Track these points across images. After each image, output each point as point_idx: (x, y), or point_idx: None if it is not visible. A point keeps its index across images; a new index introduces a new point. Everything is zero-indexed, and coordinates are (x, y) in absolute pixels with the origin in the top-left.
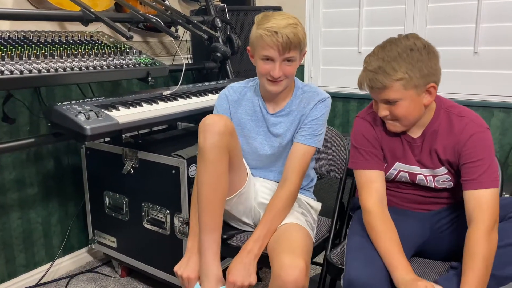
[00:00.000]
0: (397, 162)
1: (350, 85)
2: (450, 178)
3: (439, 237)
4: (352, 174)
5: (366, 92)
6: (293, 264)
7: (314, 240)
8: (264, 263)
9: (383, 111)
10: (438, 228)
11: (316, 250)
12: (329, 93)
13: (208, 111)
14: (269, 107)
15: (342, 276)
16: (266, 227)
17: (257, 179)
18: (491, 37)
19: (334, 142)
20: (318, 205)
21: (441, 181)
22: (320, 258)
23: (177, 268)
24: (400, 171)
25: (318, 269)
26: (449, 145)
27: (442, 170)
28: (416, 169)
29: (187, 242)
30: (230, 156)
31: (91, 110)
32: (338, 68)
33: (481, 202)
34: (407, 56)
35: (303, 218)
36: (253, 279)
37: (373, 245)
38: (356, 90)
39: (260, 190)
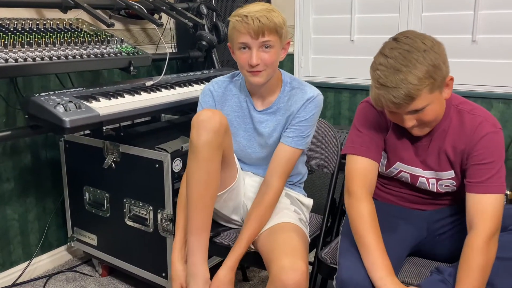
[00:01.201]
0: (398, 162)
1: (342, 75)
2: (455, 183)
3: (436, 240)
4: (344, 168)
5: (359, 83)
6: (294, 267)
7: (309, 240)
8: (254, 262)
9: (410, 122)
10: (436, 229)
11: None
12: (320, 83)
13: (193, 102)
14: (256, 103)
15: (334, 276)
16: (245, 240)
17: (246, 173)
18: (490, 25)
19: (325, 135)
20: (310, 202)
21: (444, 186)
22: (310, 257)
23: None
24: (401, 171)
25: (309, 268)
26: (459, 146)
27: (449, 174)
28: (419, 171)
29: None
30: (223, 153)
31: (70, 101)
32: (329, 57)
33: (485, 208)
34: (424, 59)
35: (297, 216)
36: None
37: None
38: (348, 81)
39: (249, 184)
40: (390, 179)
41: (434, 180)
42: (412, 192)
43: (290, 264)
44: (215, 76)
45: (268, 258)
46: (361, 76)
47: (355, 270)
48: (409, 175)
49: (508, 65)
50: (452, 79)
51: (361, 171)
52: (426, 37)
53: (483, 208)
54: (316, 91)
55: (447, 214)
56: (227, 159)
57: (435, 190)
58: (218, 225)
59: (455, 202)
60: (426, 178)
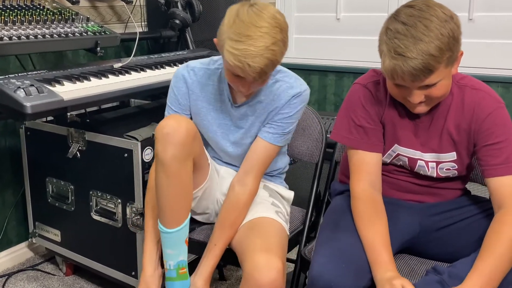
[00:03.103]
0: (396, 144)
1: (327, 57)
2: (456, 167)
3: (430, 237)
4: (330, 158)
5: (346, 65)
6: (269, 265)
7: (288, 234)
8: (231, 260)
9: (419, 97)
10: (429, 225)
11: (289, 245)
12: (303, 66)
13: (165, 86)
14: (235, 96)
15: (307, 272)
16: (219, 247)
17: (221, 167)
18: (488, 2)
19: (309, 122)
20: (290, 195)
21: (445, 169)
22: (293, 254)
23: None
24: (398, 154)
25: (291, 266)
26: (463, 124)
27: (451, 155)
28: (418, 154)
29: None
30: (194, 160)
31: (32, 85)
32: (313, 37)
33: None
34: (445, 30)
35: (275, 209)
36: None
37: (345, 237)
38: (334, 62)
39: (225, 178)
40: (384, 164)
41: (434, 163)
42: (407, 179)
43: (264, 262)
44: (190, 58)
45: (242, 255)
46: (348, 57)
47: (326, 265)
48: (407, 158)
49: (508, 46)
50: (462, 53)
51: (362, 166)
52: (443, 7)
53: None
54: (304, 86)
55: (443, 209)
56: (198, 163)
57: (434, 175)
58: (192, 221)
59: (453, 194)
60: (426, 161)
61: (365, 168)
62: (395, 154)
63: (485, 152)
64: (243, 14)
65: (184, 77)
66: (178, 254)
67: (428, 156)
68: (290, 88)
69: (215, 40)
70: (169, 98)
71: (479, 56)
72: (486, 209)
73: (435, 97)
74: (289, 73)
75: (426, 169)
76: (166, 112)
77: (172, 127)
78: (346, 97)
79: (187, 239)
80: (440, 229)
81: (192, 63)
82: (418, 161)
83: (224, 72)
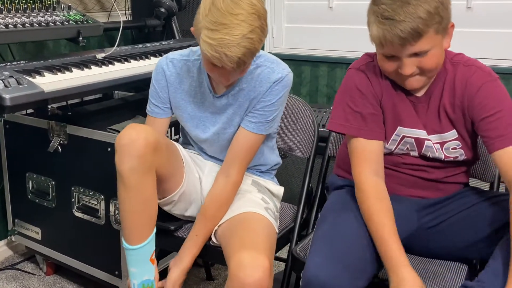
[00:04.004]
0: (399, 127)
1: (319, 47)
2: (461, 145)
3: (426, 234)
4: (322, 152)
5: (339, 55)
6: (254, 263)
7: (277, 232)
8: (217, 258)
9: (410, 68)
10: (426, 221)
11: (279, 243)
12: (294, 56)
13: (150, 77)
14: (216, 87)
15: (302, 273)
16: (200, 238)
17: (207, 163)
18: None
19: (300, 115)
20: (280, 190)
21: (451, 149)
22: (283, 253)
23: None
24: (404, 136)
25: (281, 265)
26: (457, 100)
27: (452, 134)
28: (423, 133)
29: None
30: (159, 171)
31: (11, 76)
32: (305, 26)
33: None
34: None
35: (264, 205)
36: None
37: (342, 235)
38: (326, 53)
39: (209, 177)
40: (389, 154)
41: (439, 145)
42: (415, 173)
43: (250, 261)
44: (175, 48)
45: (227, 253)
46: (341, 47)
47: (322, 266)
48: (413, 139)
49: (507, 35)
50: (453, 25)
51: (363, 153)
52: None
53: None
54: (286, 69)
55: (441, 204)
56: (167, 172)
57: (442, 157)
58: (177, 218)
59: (455, 188)
60: (432, 142)
61: (367, 156)
62: (400, 137)
63: (484, 127)
64: (218, 2)
65: (163, 69)
66: (142, 273)
67: (432, 138)
68: (271, 73)
69: (192, 29)
70: (150, 91)
71: (478, 46)
72: (485, 199)
73: (428, 69)
74: (270, 57)
75: (434, 149)
76: (148, 106)
77: (130, 138)
78: (341, 84)
79: (154, 258)
80: (437, 225)
81: (171, 54)
82: (426, 141)
83: (202, 62)
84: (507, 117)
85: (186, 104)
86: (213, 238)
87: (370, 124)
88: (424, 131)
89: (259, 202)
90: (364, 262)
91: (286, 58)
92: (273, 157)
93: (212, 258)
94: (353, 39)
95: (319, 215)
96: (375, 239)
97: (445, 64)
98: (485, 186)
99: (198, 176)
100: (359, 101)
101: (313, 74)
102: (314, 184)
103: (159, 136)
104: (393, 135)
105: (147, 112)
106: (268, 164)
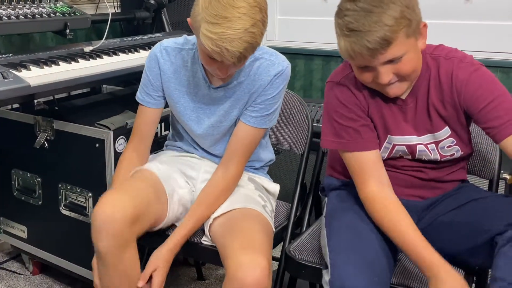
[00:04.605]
0: (388, 135)
1: (313, 40)
2: (455, 142)
3: (425, 234)
4: (316, 148)
5: (334, 48)
6: (253, 263)
7: (274, 231)
8: (211, 258)
9: (387, 76)
10: (426, 220)
11: (273, 242)
12: (288, 49)
13: (139, 71)
14: (212, 78)
15: (327, 280)
16: (191, 222)
17: (203, 162)
18: None
19: (294, 110)
20: (275, 188)
21: (447, 147)
22: (276, 252)
23: None
24: (394, 145)
25: (275, 264)
26: (446, 97)
27: (445, 132)
28: (413, 138)
29: None
30: (143, 228)
31: None
32: (298, 19)
33: None
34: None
35: (262, 203)
36: None
37: (367, 242)
38: (320, 46)
39: (203, 183)
40: (384, 160)
41: (433, 144)
42: (410, 173)
43: (248, 261)
44: None
45: (224, 252)
46: (336, 40)
47: (358, 276)
48: (404, 146)
49: (507, 28)
50: (425, 25)
51: (365, 167)
52: None
53: None
54: (285, 62)
55: (440, 201)
56: (151, 224)
57: (438, 157)
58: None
59: (454, 186)
60: (424, 144)
61: (367, 168)
62: (391, 146)
63: (484, 118)
64: None
65: (156, 56)
66: None
67: (425, 139)
68: (271, 66)
69: (188, 20)
70: (142, 78)
71: (477, 39)
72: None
73: (405, 74)
74: (267, 50)
75: (428, 152)
76: (138, 93)
77: (106, 215)
78: (324, 99)
79: None
80: (436, 223)
81: (165, 41)
82: (417, 146)
83: (199, 55)
84: (505, 102)
85: (180, 95)
86: (206, 237)
87: (365, 136)
88: (415, 136)
89: (257, 199)
90: (389, 272)
91: (279, 51)
92: (267, 154)
93: (203, 258)
94: None
95: (324, 217)
96: (402, 245)
97: (426, 60)
98: (485, 183)
99: (188, 190)
100: (346, 116)
101: (307, 67)
102: (308, 181)
103: (139, 199)
104: (385, 143)
105: (137, 99)
106: (262, 160)
